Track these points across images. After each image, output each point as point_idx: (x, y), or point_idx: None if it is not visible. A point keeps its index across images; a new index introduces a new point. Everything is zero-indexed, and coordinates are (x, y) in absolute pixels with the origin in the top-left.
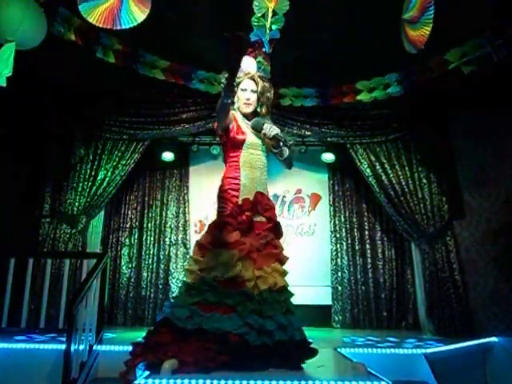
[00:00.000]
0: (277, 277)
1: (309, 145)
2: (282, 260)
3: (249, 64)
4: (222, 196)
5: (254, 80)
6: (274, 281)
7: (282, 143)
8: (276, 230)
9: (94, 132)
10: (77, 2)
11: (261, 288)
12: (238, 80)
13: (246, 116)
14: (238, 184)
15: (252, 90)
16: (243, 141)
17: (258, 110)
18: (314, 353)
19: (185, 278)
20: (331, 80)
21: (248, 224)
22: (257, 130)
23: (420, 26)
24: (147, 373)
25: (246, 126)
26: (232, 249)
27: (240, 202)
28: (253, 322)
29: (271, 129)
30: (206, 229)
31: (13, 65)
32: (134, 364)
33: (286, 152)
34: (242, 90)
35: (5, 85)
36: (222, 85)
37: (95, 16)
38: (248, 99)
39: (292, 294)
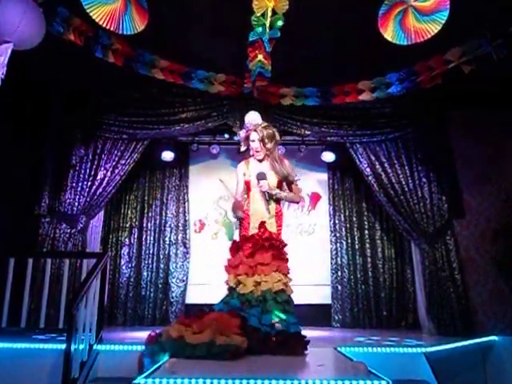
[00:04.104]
0: (275, 282)
1: (308, 144)
2: (281, 271)
3: (253, 117)
4: (240, 223)
5: (256, 132)
6: (272, 285)
7: (270, 196)
8: (279, 249)
9: (94, 132)
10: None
11: (263, 289)
12: (247, 133)
13: (260, 161)
14: (248, 215)
15: (258, 139)
16: (250, 182)
17: (265, 152)
18: (306, 342)
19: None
20: (332, 80)
21: (257, 245)
22: (256, 179)
23: (429, 20)
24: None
25: (254, 168)
26: (233, 272)
27: (251, 232)
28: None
29: (262, 186)
30: (205, 228)
31: (7, 65)
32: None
33: (282, 198)
34: (251, 140)
35: None
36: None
37: (99, 14)
38: (257, 149)
39: (287, 297)
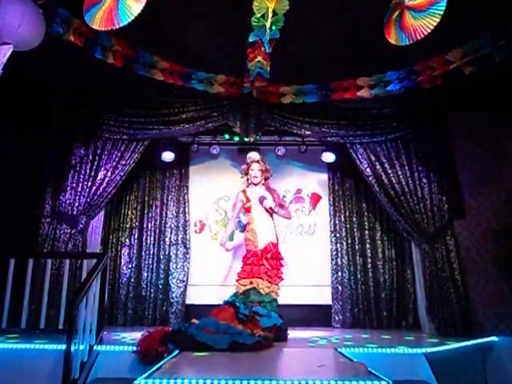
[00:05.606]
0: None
1: (309, 144)
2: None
3: (254, 155)
4: (246, 243)
5: (257, 163)
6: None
7: (273, 211)
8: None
9: (94, 132)
10: (83, 11)
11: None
12: (248, 165)
13: (255, 185)
14: (255, 234)
15: (257, 170)
16: (250, 206)
17: (263, 181)
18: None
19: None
20: (332, 78)
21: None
22: (260, 202)
23: (426, 15)
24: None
25: (252, 194)
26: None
27: (260, 249)
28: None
29: (267, 204)
30: (205, 229)
31: (6, 65)
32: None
33: (281, 213)
34: (251, 170)
35: None
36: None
37: (97, 21)
38: (256, 175)
39: (257, 301)
